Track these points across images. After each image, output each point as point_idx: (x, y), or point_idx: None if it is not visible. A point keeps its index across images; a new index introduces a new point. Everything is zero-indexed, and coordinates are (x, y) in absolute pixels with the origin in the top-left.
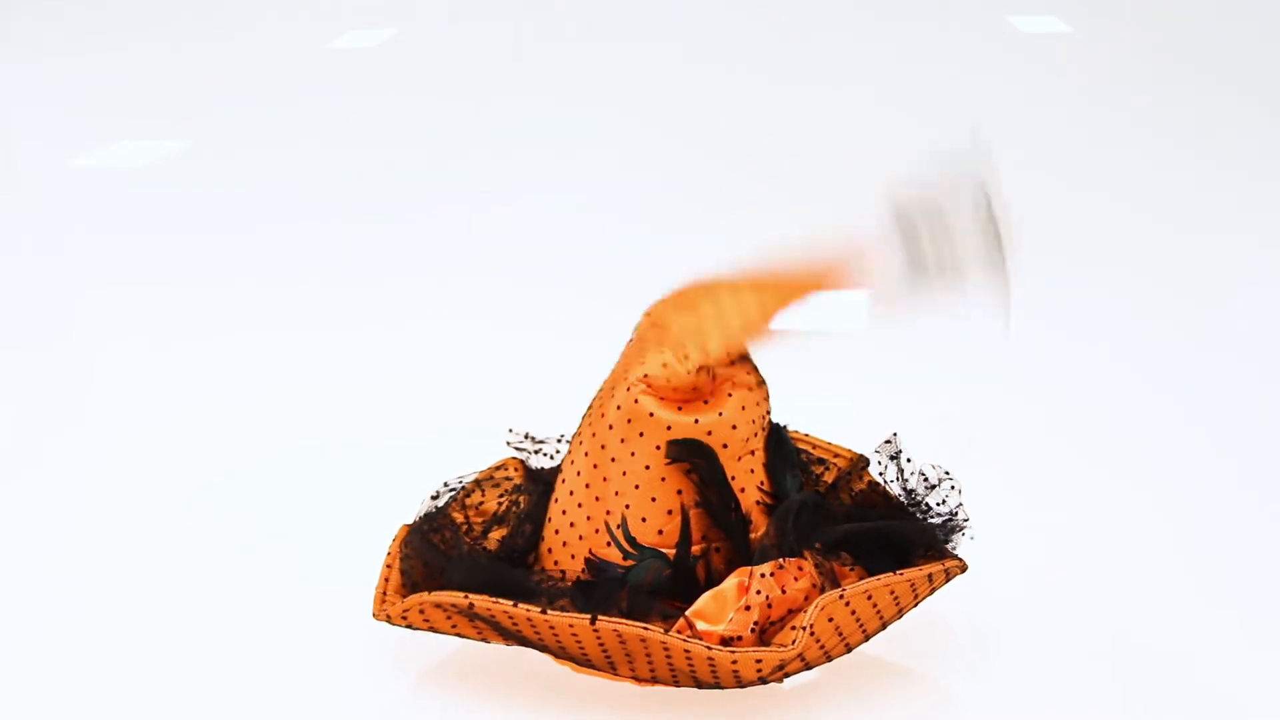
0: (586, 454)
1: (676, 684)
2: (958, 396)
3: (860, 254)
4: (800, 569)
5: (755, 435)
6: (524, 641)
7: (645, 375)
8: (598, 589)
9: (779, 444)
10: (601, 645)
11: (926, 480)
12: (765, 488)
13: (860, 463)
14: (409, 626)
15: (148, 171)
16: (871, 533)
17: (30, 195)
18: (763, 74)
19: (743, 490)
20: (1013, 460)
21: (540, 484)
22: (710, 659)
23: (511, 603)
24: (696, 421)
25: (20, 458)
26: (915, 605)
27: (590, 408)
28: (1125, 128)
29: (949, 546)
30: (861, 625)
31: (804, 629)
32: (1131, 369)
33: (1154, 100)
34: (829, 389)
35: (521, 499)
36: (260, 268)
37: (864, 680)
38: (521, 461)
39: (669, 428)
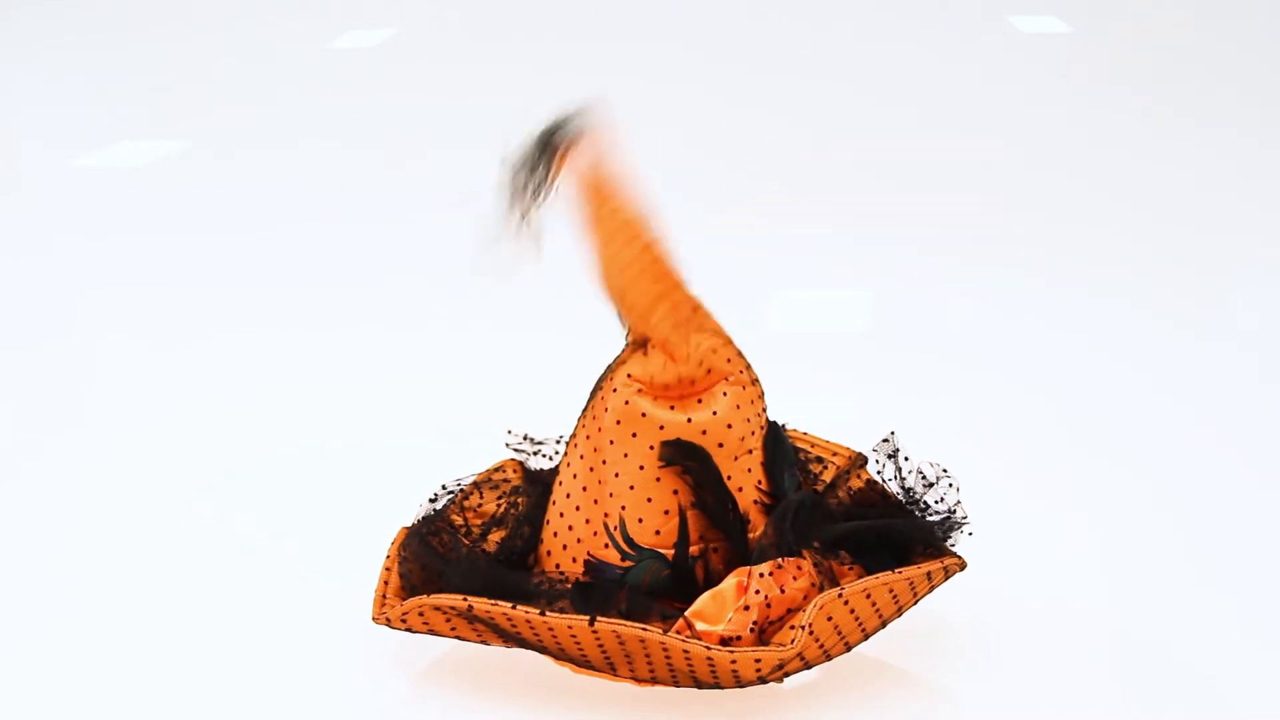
0: (582, 456)
1: (676, 684)
2: (957, 395)
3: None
4: (799, 568)
5: (752, 434)
6: (523, 643)
7: (630, 376)
8: (596, 590)
9: (777, 443)
10: (601, 646)
11: (925, 478)
12: (763, 487)
13: (858, 461)
14: (408, 629)
15: (148, 171)
16: (870, 531)
17: (30, 195)
18: (763, 73)
19: (740, 490)
20: (1012, 458)
21: (539, 486)
22: (709, 659)
23: (510, 605)
24: (690, 420)
25: (20, 458)
26: (914, 604)
27: (584, 410)
28: (1125, 128)
29: (948, 544)
30: (861, 624)
31: (803, 628)
32: (1131, 368)
33: (1154, 100)
34: (827, 388)
35: (520, 501)
36: (260, 268)
37: (864, 680)
38: (520, 463)
39: (661, 427)
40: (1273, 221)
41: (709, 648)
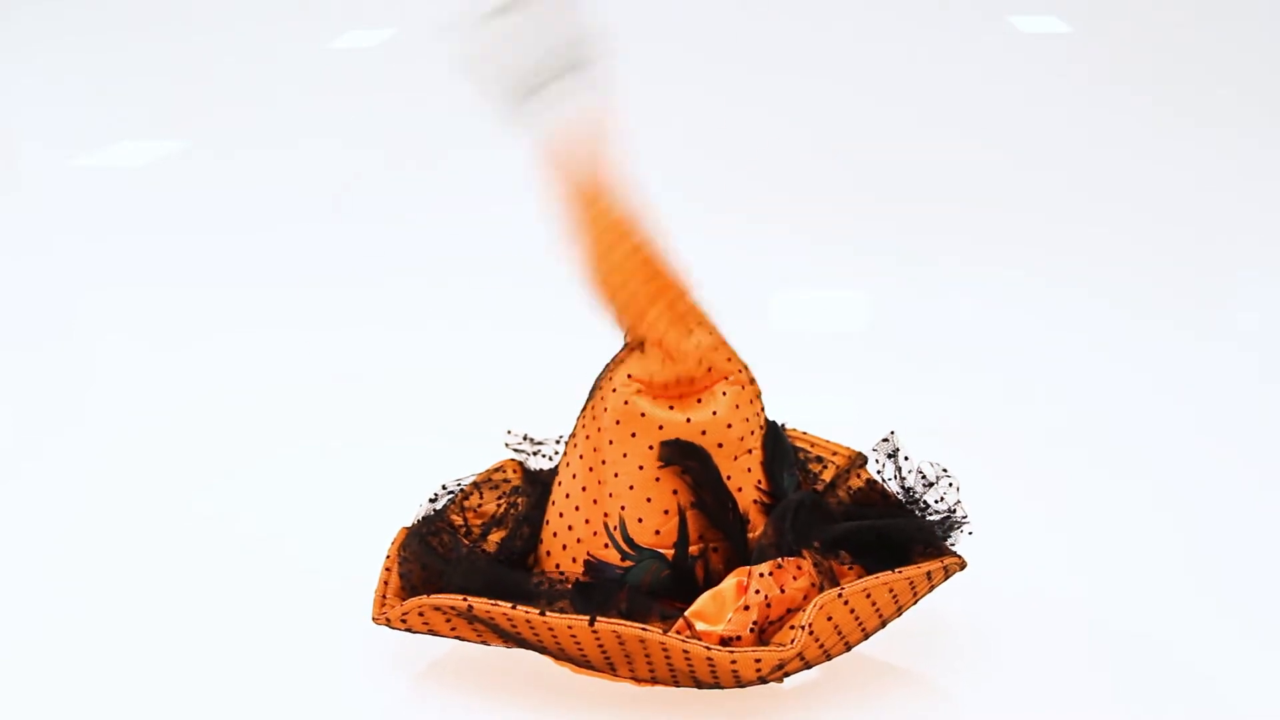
0: (581, 456)
1: (676, 684)
2: (957, 396)
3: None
4: (799, 568)
5: (752, 434)
6: (523, 643)
7: (629, 376)
8: (596, 590)
9: (776, 443)
10: (601, 646)
11: (924, 478)
12: (763, 487)
13: (858, 461)
14: (408, 629)
15: (148, 171)
16: (870, 531)
17: (30, 195)
18: (762, 73)
19: (740, 490)
20: (1012, 458)
21: (539, 486)
22: (709, 659)
23: (510, 605)
24: (689, 420)
25: (20, 458)
26: (914, 603)
27: (583, 410)
28: (1125, 128)
29: (948, 544)
30: (861, 624)
31: (803, 628)
32: (1132, 368)
33: (1154, 100)
34: (827, 388)
35: (520, 501)
36: (260, 268)
37: (864, 680)
38: (520, 463)
39: (661, 427)
40: (1273, 221)
41: (709, 648)
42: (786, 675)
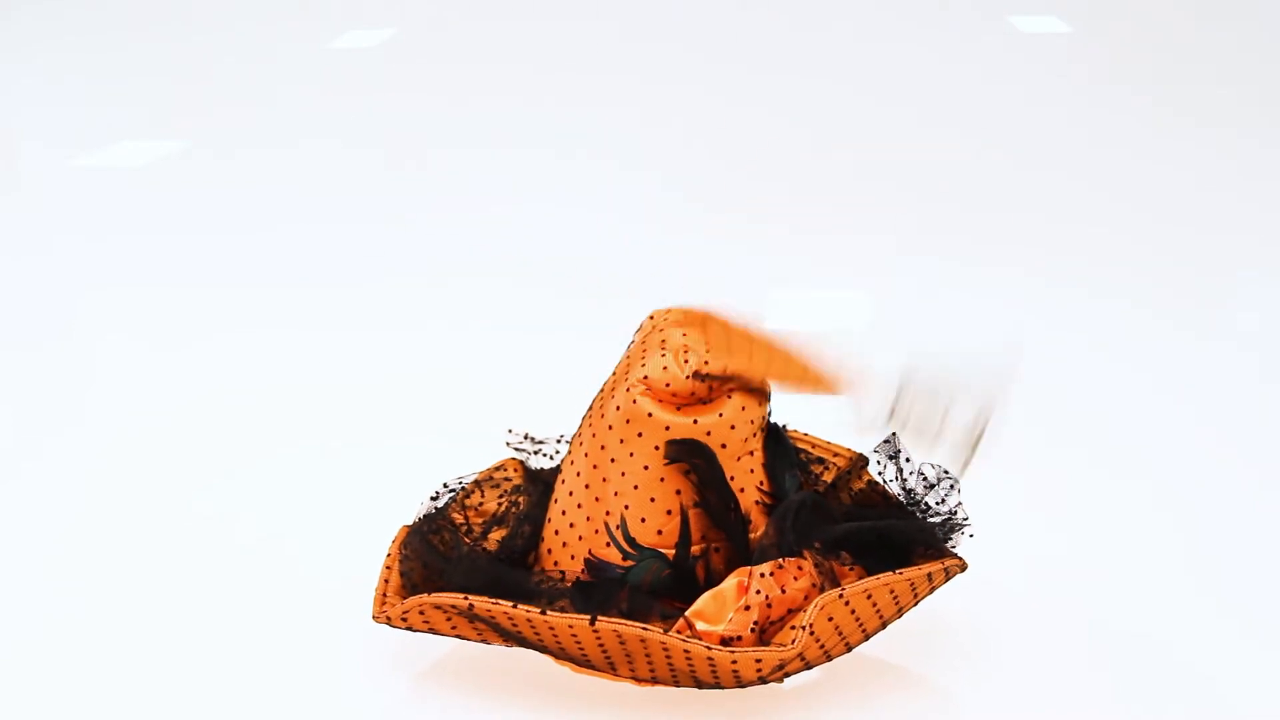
0: (586, 455)
1: (676, 684)
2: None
3: (859, 385)
4: (800, 568)
5: (754, 435)
6: (524, 642)
7: (645, 377)
8: (597, 589)
9: (778, 443)
10: (601, 646)
11: (925, 479)
12: (764, 487)
13: (859, 462)
14: (409, 628)
15: (148, 171)
16: (871, 532)
17: (30, 195)
18: (762, 73)
19: (742, 490)
20: (1012, 459)
21: (540, 485)
22: (710, 659)
23: (511, 604)
24: (695, 422)
25: (20, 458)
26: (915, 604)
27: (590, 408)
28: (1125, 128)
29: (948, 545)
30: (861, 625)
31: (804, 628)
32: (1132, 368)
33: (1154, 100)
34: None
35: (521, 500)
36: (260, 268)
37: (864, 680)
38: (521, 462)
39: (667, 428)
40: (1273, 221)
41: (709, 647)
42: (787, 675)
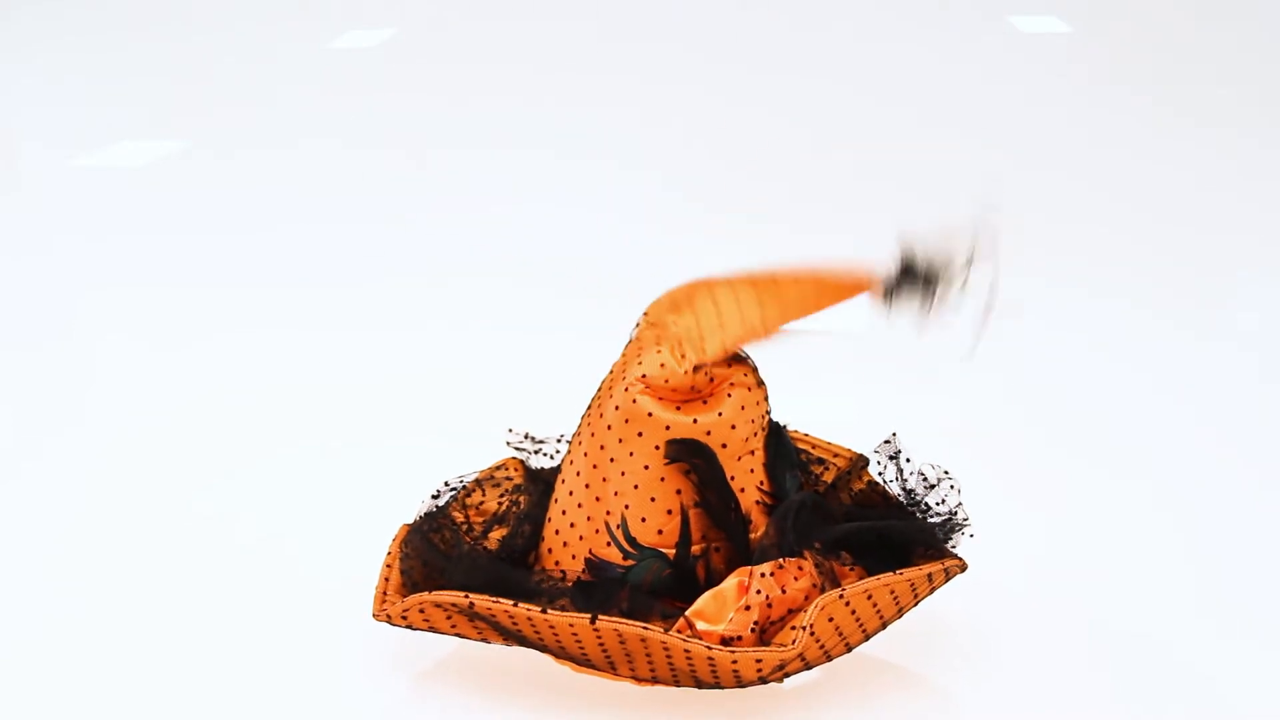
0: (585, 454)
1: (676, 684)
2: (957, 396)
3: (866, 278)
4: (800, 569)
5: (755, 435)
6: (524, 641)
7: (643, 375)
8: (598, 589)
9: (778, 443)
10: (601, 645)
11: (926, 480)
12: (765, 487)
13: (860, 462)
14: (409, 626)
15: (148, 171)
16: (871, 532)
17: (30, 195)
18: (762, 73)
19: (742, 490)
20: (1013, 459)
21: (540, 484)
22: (710, 659)
23: (512, 602)
24: (695, 421)
25: (20, 458)
26: (915, 605)
27: (589, 408)
28: (1125, 128)
29: (949, 546)
30: (861, 625)
31: (804, 629)
32: (1131, 368)
33: (1154, 100)
34: (829, 389)
35: (521, 499)
36: (260, 268)
37: (864, 680)
38: (521, 461)
39: (667, 427)
40: (1273, 221)
41: (710, 647)
42: (787, 675)
